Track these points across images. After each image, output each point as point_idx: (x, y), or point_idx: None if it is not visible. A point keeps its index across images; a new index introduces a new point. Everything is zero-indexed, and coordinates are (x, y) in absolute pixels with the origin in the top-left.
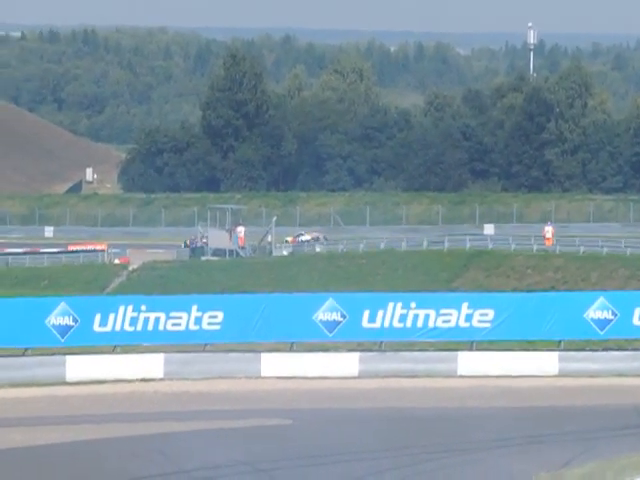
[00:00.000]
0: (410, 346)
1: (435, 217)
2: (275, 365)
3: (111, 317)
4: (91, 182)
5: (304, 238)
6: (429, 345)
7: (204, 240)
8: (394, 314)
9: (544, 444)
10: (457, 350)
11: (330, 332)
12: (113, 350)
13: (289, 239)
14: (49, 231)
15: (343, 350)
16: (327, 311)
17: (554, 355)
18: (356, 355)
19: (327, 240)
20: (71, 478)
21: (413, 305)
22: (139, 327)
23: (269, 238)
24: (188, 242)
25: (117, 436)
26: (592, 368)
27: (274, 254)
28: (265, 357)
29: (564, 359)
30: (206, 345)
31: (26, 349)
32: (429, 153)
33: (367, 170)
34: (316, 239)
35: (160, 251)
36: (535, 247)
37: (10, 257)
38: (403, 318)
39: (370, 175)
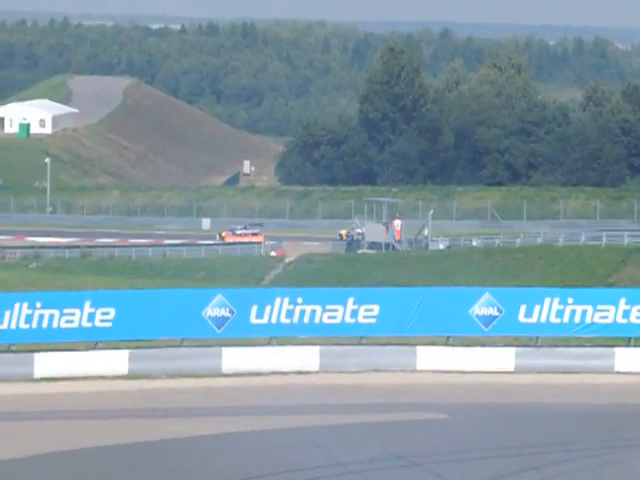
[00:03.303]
0: (567, 342)
1: (593, 212)
2: (431, 359)
3: (267, 309)
4: (248, 174)
5: (358, 231)
6: (586, 341)
7: (357, 232)
8: (551, 309)
9: None
10: (614, 346)
11: (486, 326)
12: (269, 342)
13: (342, 232)
14: (206, 223)
15: (499, 345)
16: (483, 305)
17: None
18: (512, 350)
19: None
20: (229, 468)
21: (570, 300)
22: (295, 319)
23: (426, 232)
24: (224, 235)
25: (272, 428)
26: None
27: (430, 248)
28: (421, 351)
29: None
30: (362, 338)
31: (183, 340)
32: (587, 148)
33: (524, 164)
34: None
35: (316, 244)
36: None
37: (168, 248)
38: (560, 313)
39: (527, 169)
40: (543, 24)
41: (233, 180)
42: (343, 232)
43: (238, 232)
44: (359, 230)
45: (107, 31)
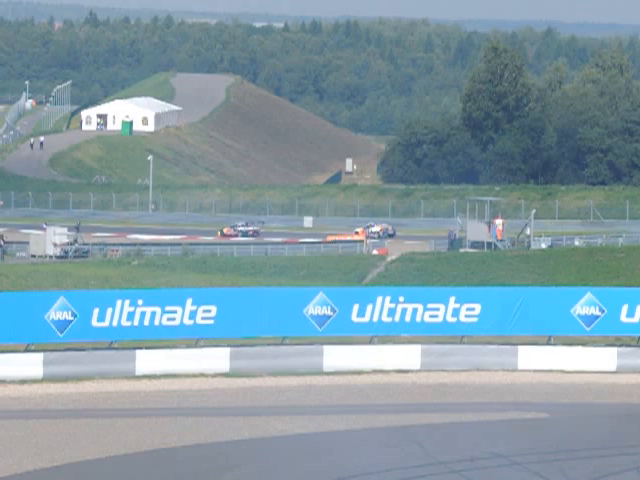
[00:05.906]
0: None
1: None
2: (532, 358)
3: (369, 308)
4: (351, 173)
5: (374, 229)
6: None
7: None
8: None
9: None
10: None
11: (588, 326)
12: (370, 340)
13: (359, 230)
14: (308, 221)
15: (601, 344)
16: (585, 305)
17: None
18: (614, 350)
19: (395, 232)
20: (330, 466)
21: None
22: (396, 318)
23: (528, 231)
24: (225, 231)
25: (373, 426)
26: None
27: (532, 247)
28: (522, 350)
29: None
30: (463, 337)
31: (284, 338)
32: None
33: (627, 164)
34: (385, 230)
35: (418, 242)
36: None
37: (269, 246)
38: None
39: (630, 169)
40: None
41: (335, 178)
42: (359, 230)
43: (240, 228)
44: (374, 229)
45: (210, 29)
